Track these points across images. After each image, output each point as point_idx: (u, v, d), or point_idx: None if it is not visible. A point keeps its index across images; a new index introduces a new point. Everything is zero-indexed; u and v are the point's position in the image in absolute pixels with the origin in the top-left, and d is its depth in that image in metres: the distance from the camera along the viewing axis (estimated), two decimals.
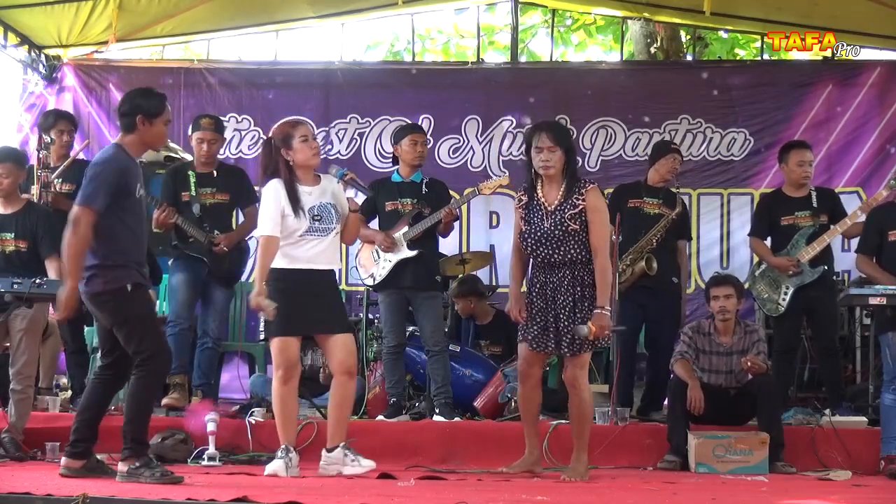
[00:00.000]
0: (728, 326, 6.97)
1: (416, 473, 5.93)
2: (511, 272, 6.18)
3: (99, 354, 5.78)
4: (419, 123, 8.93)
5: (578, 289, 5.80)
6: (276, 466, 5.75)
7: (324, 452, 5.88)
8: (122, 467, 5.39)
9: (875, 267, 6.92)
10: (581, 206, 5.79)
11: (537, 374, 6.06)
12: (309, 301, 5.85)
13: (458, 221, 7.94)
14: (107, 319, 5.56)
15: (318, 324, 5.92)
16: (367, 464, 5.82)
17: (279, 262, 5.85)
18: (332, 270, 6.03)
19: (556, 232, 5.81)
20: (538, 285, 5.91)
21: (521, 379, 6.06)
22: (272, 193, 5.85)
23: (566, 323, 5.78)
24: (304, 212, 5.83)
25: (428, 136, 9.45)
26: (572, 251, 5.79)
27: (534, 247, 5.87)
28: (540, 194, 5.89)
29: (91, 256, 5.44)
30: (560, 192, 5.84)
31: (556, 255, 5.82)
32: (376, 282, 7.29)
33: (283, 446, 5.82)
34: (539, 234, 5.84)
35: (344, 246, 9.48)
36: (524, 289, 6.11)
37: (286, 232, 5.84)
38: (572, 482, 5.76)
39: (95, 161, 5.59)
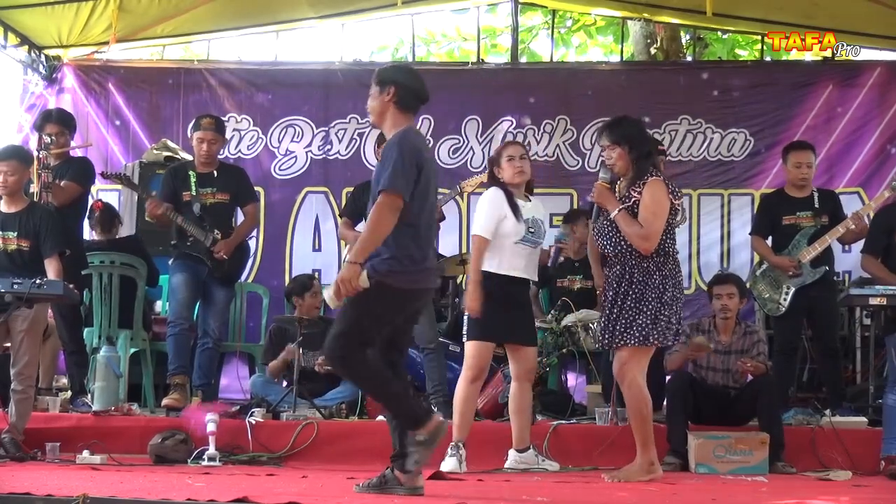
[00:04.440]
0: (728, 325, 6.99)
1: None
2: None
3: None
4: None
5: (624, 285, 5.78)
6: (451, 464, 6.02)
7: (513, 452, 6.25)
8: None
9: (881, 267, 6.94)
10: (635, 199, 5.79)
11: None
12: (510, 309, 6.16)
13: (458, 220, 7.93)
14: None
15: (514, 333, 6.27)
16: (554, 466, 6.26)
17: (491, 266, 6.17)
18: (530, 282, 6.36)
19: (605, 222, 5.85)
20: (606, 280, 6.00)
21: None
22: (491, 197, 6.24)
23: (608, 314, 5.83)
24: (523, 220, 6.16)
25: (428, 137, 9.52)
26: (622, 242, 5.78)
27: (596, 238, 5.96)
28: (617, 189, 5.95)
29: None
30: (627, 184, 5.89)
31: (607, 247, 5.85)
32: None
33: (453, 443, 6.09)
34: (599, 226, 5.91)
35: (338, 247, 9.60)
36: None
37: (503, 235, 6.17)
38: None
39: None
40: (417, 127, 9.28)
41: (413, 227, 4.96)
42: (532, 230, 6.23)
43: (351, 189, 8.54)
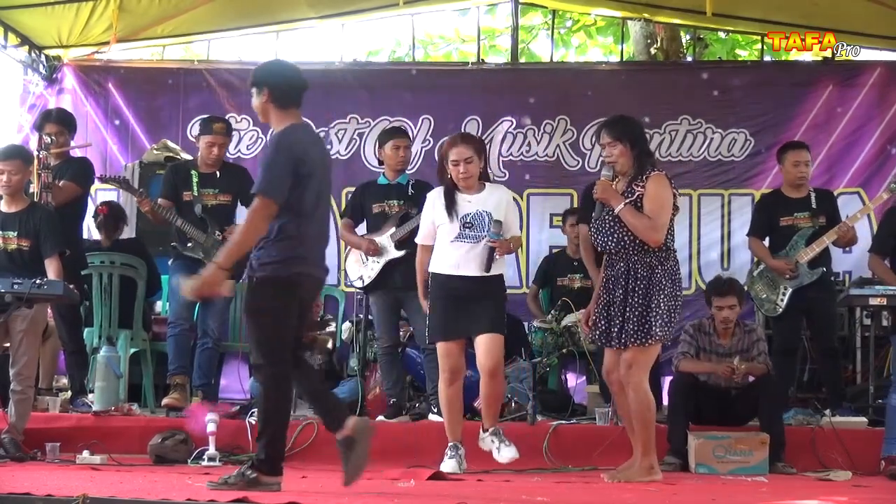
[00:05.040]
0: (729, 329, 6.99)
1: (416, 473, 5.92)
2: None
3: None
4: (406, 126, 9.01)
5: (631, 281, 5.75)
6: (450, 465, 6.09)
7: (480, 430, 6.25)
8: None
9: (886, 269, 6.96)
10: (638, 193, 5.77)
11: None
12: (464, 306, 6.12)
13: None
14: None
15: (472, 327, 6.20)
16: (510, 452, 6.09)
17: (435, 268, 6.25)
18: (489, 276, 6.16)
19: (608, 217, 5.81)
20: (604, 279, 5.93)
21: (608, 381, 6.03)
22: (427, 205, 6.35)
23: (616, 315, 5.77)
24: (458, 218, 6.12)
25: (428, 137, 9.52)
26: (625, 238, 5.75)
27: (595, 235, 5.92)
28: (614, 186, 5.90)
29: None
30: (625, 182, 5.85)
31: (609, 243, 5.81)
32: (365, 283, 7.34)
33: (451, 444, 6.18)
34: (598, 221, 5.87)
35: (339, 248, 9.60)
36: None
37: (441, 237, 6.22)
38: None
39: None
40: (417, 127, 9.42)
41: (298, 215, 5.04)
42: (469, 225, 6.13)
43: (351, 189, 8.54)
